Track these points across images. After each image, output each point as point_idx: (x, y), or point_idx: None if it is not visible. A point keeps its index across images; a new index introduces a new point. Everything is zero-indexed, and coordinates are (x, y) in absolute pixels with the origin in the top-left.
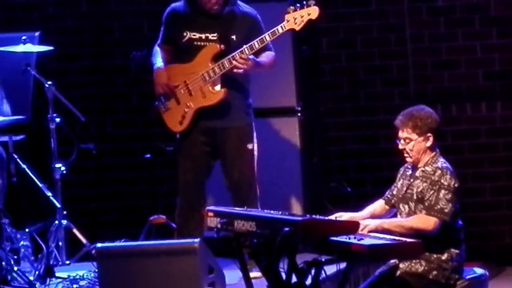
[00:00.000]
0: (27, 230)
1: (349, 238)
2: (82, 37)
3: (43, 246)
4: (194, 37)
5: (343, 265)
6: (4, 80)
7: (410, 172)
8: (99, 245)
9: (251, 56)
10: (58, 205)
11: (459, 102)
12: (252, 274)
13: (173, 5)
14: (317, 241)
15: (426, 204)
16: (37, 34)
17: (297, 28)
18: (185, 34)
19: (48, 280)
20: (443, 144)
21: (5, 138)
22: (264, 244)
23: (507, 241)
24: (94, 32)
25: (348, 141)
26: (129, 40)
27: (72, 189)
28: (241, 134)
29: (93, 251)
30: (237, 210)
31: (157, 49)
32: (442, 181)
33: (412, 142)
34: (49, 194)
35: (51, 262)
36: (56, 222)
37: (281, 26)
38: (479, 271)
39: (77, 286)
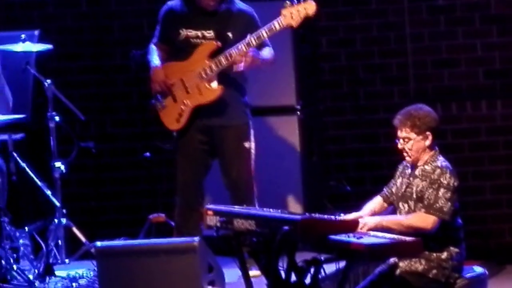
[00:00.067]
0: (26, 228)
1: (349, 237)
2: (82, 36)
3: (43, 244)
4: (191, 34)
5: (342, 263)
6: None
7: (409, 170)
8: (98, 243)
9: (252, 49)
10: (58, 204)
11: (459, 101)
12: (251, 273)
13: (169, 3)
14: (317, 239)
15: (425, 202)
16: (36, 32)
17: (294, 23)
18: (181, 32)
19: (47, 278)
20: (443, 143)
21: (4, 137)
22: (263, 242)
23: (507, 240)
24: (94, 31)
25: (347, 140)
26: (129, 39)
27: (72, 188)
28: (239, 133)
29: (93, 250)
30: (237, 208)
31: (153, 48)
32: (441, 180)
33: (411, 142)
34: (49, 192)
35: (51, 261)
36: (56, 220)
37: (278, 22)
38: (478, 269)
39: (77, 284)
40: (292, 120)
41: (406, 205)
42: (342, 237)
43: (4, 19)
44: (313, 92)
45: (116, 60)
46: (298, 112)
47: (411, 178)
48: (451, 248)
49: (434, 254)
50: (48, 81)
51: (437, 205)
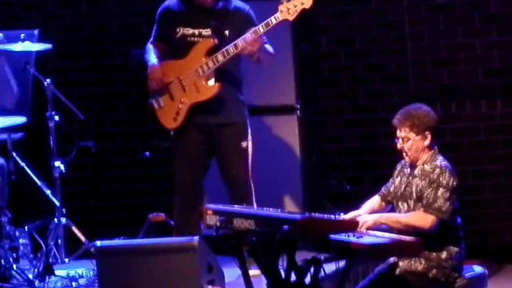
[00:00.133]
0: (26, 228)
1: (348, 236)
2: (81, 35)
3: (42, 244)
4: (187, 32)
5: (342, 263)
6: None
7: (408, 170)
8: (98, 243)
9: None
10: (57, 203)
11: (459, 100)
12: (251, 272)
13: (166, 2)
14: (316, 239)
15: (424, 202)
16: (36, 32)
17: (291, 18)
18: (178, 30)
19: (47, 278)
20: (442, 142)
21: (4, 136)
22: (263, 242)
23: (506, 239)
24: (93, 31)
25: (347, 139)
26: (128, 38)
27: (71, 187)
28: (237, 131)
29: (92, 249)
30: (236, 208)
31: (150, 47)
32: (440, 179)
33: (410, 141)
34: (48, 192)
35: (50, 260)
36: (55, 220)
37: (275, 17)
38: (478, 269)
39: (76, 284)
40: (292, 119)
41: (405, 205)
42: (342, 236)
43: (3, 18)
44: (313, 91)
45: (115, 60)
46: (298, 112)
47: (410, 178)
48: (451, 247)
49: (434, 254)
50: (48, 80)
51: (436, 204)
